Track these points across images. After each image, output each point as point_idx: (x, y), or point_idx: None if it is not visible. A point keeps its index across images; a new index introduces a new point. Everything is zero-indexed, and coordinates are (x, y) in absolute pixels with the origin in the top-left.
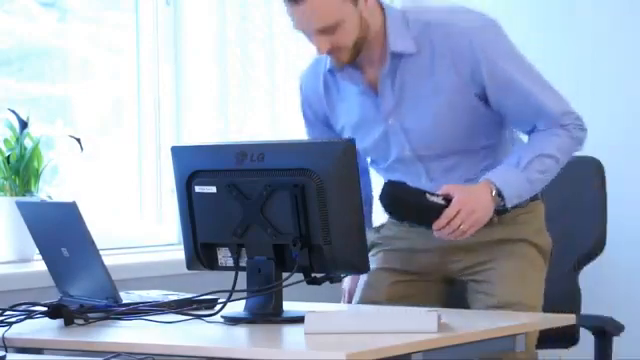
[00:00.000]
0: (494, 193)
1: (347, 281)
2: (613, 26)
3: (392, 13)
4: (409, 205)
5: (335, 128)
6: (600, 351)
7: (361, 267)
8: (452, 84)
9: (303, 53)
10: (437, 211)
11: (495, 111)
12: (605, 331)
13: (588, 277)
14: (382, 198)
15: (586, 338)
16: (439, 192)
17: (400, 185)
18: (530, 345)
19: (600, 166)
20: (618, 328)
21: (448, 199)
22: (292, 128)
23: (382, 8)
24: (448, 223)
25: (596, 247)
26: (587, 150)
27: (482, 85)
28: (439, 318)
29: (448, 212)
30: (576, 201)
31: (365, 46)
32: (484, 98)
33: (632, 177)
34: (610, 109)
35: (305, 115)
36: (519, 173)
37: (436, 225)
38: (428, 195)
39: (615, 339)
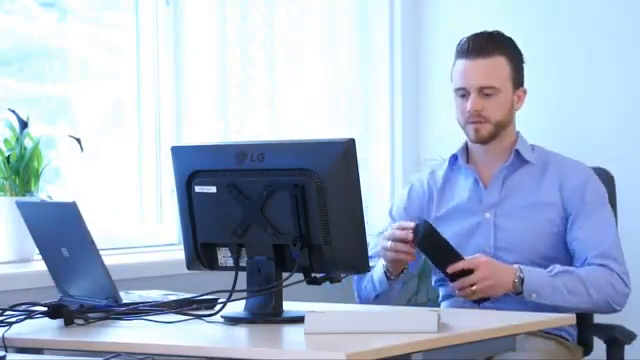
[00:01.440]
0: (517, 279)
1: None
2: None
3: (522, 136)
4: (438, 241)
5: (431, 214)
6: (612, 359)
7: (361, 267)
8: (552, 201)
9: (303, 53)
10: (457, 258)
11: (565, 239)
12: (616, 339)
13: None
14: (419, 229)
15: (599, 347)
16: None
17: (434, 227)
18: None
19: (610, 177)
20: (629, 336)
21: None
22: (292, 128)
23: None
24: (462, 274)
25: None
26: (597, 161)
27: (570, 211)
28: (439, 318)
29: (471, 261)
30: None
31: (498, 137)
32: (565, 223)
33: None
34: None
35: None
36: (546, 275)
37: (451, 268)
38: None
39: (627, 347)
